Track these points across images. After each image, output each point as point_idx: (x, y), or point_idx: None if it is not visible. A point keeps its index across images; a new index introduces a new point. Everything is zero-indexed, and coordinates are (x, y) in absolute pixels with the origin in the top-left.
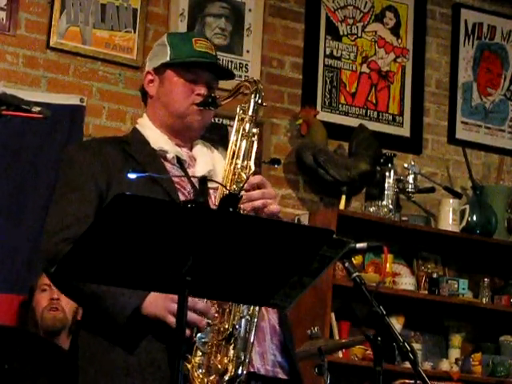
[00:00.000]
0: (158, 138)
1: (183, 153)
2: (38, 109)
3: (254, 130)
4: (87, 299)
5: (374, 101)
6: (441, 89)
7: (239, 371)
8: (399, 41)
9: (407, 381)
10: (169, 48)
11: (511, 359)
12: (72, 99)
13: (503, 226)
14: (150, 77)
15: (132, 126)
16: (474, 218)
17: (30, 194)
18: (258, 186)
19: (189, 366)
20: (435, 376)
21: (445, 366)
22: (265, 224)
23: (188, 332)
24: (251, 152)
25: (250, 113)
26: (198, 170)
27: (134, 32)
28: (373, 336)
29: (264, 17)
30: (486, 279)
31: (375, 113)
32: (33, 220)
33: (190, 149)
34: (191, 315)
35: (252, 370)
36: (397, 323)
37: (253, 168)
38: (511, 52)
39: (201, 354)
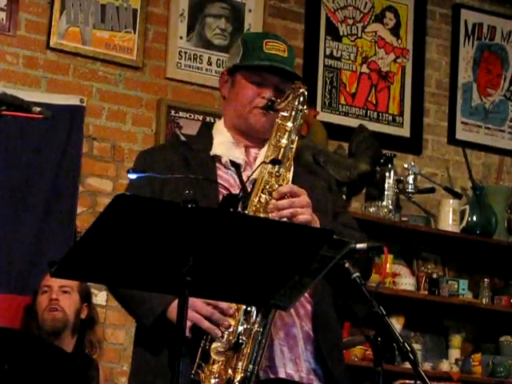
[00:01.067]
0: (220, 143)
1: (240, 155)
2: (38, 109)
3: (295, 139)
4: (122, 302)
5: (374, 101)
6: (441, 89)
7: (246, 381)
8: (399, 41)
9: (407, 381)
10: (241, 49)
11: (511, 359)
12: (72, 99)
13: (503, 226)
14: (224, 77)
15: (132, 127)
16: (474, 218)
17: (30, 195)
18: (291, 195)
19: (202, 376)
20: (435, 376)
21: (445, 366)
22: (265, 224)
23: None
24: (288, 161)
25: (290, 123)
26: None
27: (134, 32)
28: (373, 336)
29: (264, 17)
30: (485, 279)
31: (375, 113)
32: (33, 220)
33: (260, 149)
34: (206, 323)
35: (282, 376)
36: (397, 323)
37: (288, 179)
38: (511, 52)
39: (215, 362)
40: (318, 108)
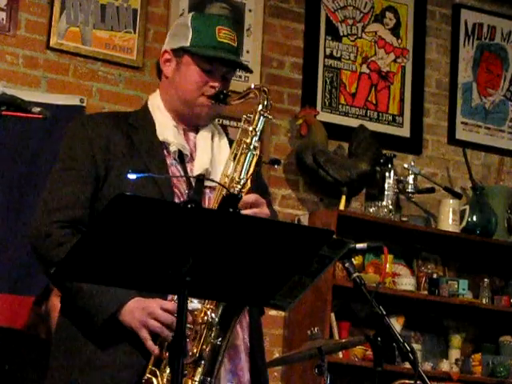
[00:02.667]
0: (165, 124)
1: (186, 145)
2: (37, 109)
3: (256, 144)
4: (71, 293)
5: (374, 101)
6: (441, 89)
7: None
8: (399, 41)
9: (407, 381)
10: (191, 31)
11: (511, 359)
12: (72, 99)
13: (503, 226)
14: (167, 56)
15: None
16: (474, 218)
17: (29, 195)
18: (253, 205)
19: (155, 382)
20: (435, 376)
21: (445, 366)
22: (265, 224)
23: (157, 349)
24: (250, 167)
25: (254, 125)
26: (197, 166)
27: (134, 32)
28: (373, 336)
29: (264, 17)
30: (485, 279)
31: (375, 113)
32: None
33: (197, 132)
34: (165, 332)
35: None
36: (397, 323)
37: (249, 185)
38: (511, 52)
39: (169, 371)
40: (318, 108)
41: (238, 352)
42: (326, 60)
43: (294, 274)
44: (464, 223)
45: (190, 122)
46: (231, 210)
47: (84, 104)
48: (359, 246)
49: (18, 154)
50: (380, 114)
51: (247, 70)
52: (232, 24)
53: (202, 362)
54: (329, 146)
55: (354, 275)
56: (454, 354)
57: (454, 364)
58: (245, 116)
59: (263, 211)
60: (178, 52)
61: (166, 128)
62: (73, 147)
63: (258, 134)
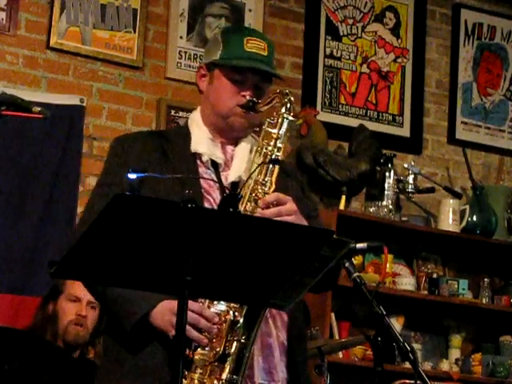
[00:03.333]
0: (200, 138)
1: (220, 155)
2: (37, 109)
3: (281, 145)
4: (103, 298)
5: (374, 101)
6: (441, 89)
7: None
8: (399, 41)
9: (407, 381)
10: (221, 45)
11: (511, 359)
12: (72, 99)
13: (503, 226)
14: (202, 71)
15: (132, 127)
16: (474, 218)
17: (29, 194)
18: (277, 204)
19: (185, 382)
20: (435, 376)
21: (445, 366)
22: (265, 224)
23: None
24: (275, 168)
25: (278, 128)
26: (231, 174)
27: (134, 32)
28: (373, 336)
29: (264, 17)
30: (485, 279)
31: (375, 113)
32: (32, 220)
33: (236, 145)
34: (193, 332)
35: None
36: (397, 323)
37: (273, 186)
38: (511, 52)
39: (198, 371)
40: (318, 108)
41: (271, 350)
42: (326, 60)
43: (295, 273)
44: (464, 223)
45: (228, 135)
46: (231, 209)
47: (84, 104)
48: (359, 245)
49: (18, 155)
50: (380, 114)
51: (280, 78)
52: (262, 35)
53: (228, 360)
54: (329, 145)
55: (354, 275)
56: (454, 353)
57: (454, 364)
58: (268, 119)
59: (288, 208)
60: (210, 66)
61: (200, 141)
62: (109, 162)
63: (282, 136)
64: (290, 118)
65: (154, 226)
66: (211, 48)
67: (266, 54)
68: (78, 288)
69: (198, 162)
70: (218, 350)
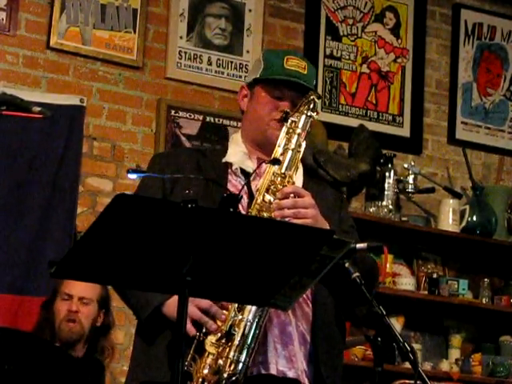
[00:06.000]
0: (234, 152)
1: (251, 164)
2: (38, 109)
3: (303, 144)
4: (123, 294)
5: (374, 101)
6: (441, 89)
7: (237, 370)
8: (399, 41)
9: (407, 381)
10: (262, 64)
11: (511, 359)
12: (72, 99)
13: (503, 226)
14: (243, 91)
15: (132, 127)
16: (474, 218)
17: (29, 195)
18: (295, 196)
19: (195, 367)
20: (435, 376)
21: (445, 366)
22: (265, 224)
23: (194, 331)
24: (294, 163)
25: (301, 127)
26: (261, 182)
27: (134, 32)
28: (373, 336)
29: (264, 17)
30: (485, 279)
31: (375, 113)
32: (32, 220)
33: None
34: (203, 317)
35: (273, 372)
36: (397, 323)
37: (292, 180)
38: (511, 52)
39: (209, 355)
40: (318, 108)
41: (291, 339)
42: (326, 60)
43: (295, 273)
44: (464, 223)
45: (266, 148)
46: (231, 209)
47: (84, 104)
48: (359, 245)
49: (18, 155)
50: (380, 114)
51: (314, 92)
52: (303, 57)
53: (234, 339)
54: (329, 145)
55: (354, 275)
56: (454, 353)
57: (454, 364)
58: (291, 118)
59: (305, 201)
60: (251, 85)
61: (234, 154)
62: (148, 175)
63: (303, 133)
64: (312, 115)
65: (154, 225)
66: (254, 68)
67: (305, 72)
68: (70, 286)
69: (229, 170)
70: (223, 328)
